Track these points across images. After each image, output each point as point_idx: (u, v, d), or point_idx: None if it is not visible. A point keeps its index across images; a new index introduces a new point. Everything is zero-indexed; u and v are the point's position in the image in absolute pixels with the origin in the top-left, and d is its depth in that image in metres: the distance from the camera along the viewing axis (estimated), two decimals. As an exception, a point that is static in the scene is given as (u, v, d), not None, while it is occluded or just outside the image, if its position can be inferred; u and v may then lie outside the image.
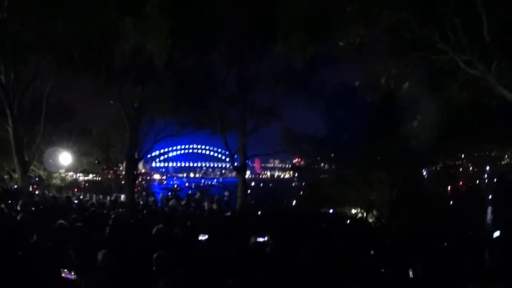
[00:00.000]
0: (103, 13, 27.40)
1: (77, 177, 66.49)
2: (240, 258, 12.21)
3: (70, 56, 29.28)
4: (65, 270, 8.38)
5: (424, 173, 49.23)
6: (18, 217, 14.22)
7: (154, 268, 9.54)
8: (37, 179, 48.29)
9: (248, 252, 13.17)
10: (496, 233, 14.36)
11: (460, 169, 70.49)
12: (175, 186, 77.36)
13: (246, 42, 34.30)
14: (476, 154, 56.81)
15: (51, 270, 8.33)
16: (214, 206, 35.06)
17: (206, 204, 37.90)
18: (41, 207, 22.74)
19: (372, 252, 13.78)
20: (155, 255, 9.70)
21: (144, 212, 23.62)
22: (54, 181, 48.61)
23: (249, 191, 45.06)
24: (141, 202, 34.63)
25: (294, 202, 47.99)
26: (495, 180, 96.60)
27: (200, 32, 30.00)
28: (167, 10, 25.26)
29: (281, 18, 23.30)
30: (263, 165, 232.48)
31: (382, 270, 12.46)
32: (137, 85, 33.28)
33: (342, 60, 30.99)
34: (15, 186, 37.63)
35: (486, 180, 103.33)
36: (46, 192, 41.68)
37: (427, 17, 18.05)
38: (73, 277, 8.29)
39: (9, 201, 22.62)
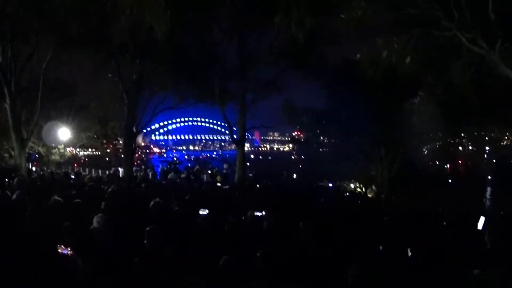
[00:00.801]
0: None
1: (76, 152, 66.47)
2: (237, 233, 12.11)
3: (68, 33, 29.13)
4: (62, 246, 8.23)
5: (424, 151, 49.10)
6: (14, 196, 14.05)
7: (145, 242, 9.39)
8: (37, 155, 48.13)
9: (245, 226, 13.06)
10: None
11: (460, 148, 70.56)
12: (174, 159, 77.44)
13: (246, 15, 34.09)
14: (475, 134, 56.82)
15: (47, 246, 8.19)
16: (219, 178, 35.20)
17: (205, 177, 37.94)
18: (38, 183, 22.58)
19: (370, 230, 13.64)
20: (147, 229, 9.56)
21: (143, 185, 23.50)
22: (53, 157, 48.54)
23: (248, 163, 44.90)
24: (140, 175, 34.51)
25: (295, 175, 47.94)
26: (495, 161, 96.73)
27: (200, 4, 29.71)
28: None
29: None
30: (262, 137, 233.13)
31: (381, 248, 12.35)
32: (135, 59, 33.09)
33: (344, 35, 30.81)
34: (11, 163, 37.65)
35: (486, 161, 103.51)
36: (45, 168, 41.56)
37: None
38: (69, 252, 8.15)
39: (6, 179, 22.50)
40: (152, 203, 12.99)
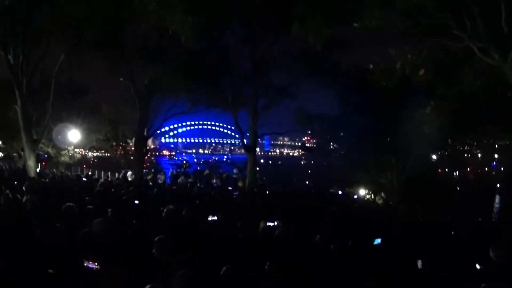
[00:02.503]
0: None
1: (86, 154, 66.61)
2: (248, 241, 12.05)
3: (81, 36, 29.22)
4: (89, 261, 8.25)
5: (434, 158, 49.17)
6: (24, 199, 14.04)
7: (154, 252, 9.31)
8: (46, 156, 48.20)
9: (258, 237, 12.98)
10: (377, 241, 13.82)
11: (469, 155, 70.51)
12: (184, 162, 77.25)
13: (260, 21, 34.16)
14: (485, 142, 56.76)
15: (72, 260, 8.19)
16: (240, 184, 36.12)
17: (215, 181, 37.98)
18: (49, 187, 22.55)
19: (381, 242, 13.58)
20: (156, 239, 9.46)
21: (154, 190, 23.45)
22: (63, 158, 48.62)
23: (257, 168, 44.94)
24: (150, 180, 34.55)
25: (306, 182, 47.87)
26: (503, 169, 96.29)
27: (214, 10, 29.70)
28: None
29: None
30: (272, 142, 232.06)
31: (391, 260, 12.34)
32: (148, 63, 33.13)
33: (357, 43, 30.86)
34: (20, 166, 37.81)
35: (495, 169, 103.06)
36: (54, 170, 41.72)
37: (444, 2, 17.93)
38: (95, 267, 8.17)
39: (15, 182, 22.37)
40: (165, 210, 12.96)
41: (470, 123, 27.65)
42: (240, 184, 35.97)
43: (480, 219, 27.57)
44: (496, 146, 69.40)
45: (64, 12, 28.02)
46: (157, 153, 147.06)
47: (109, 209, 13.39)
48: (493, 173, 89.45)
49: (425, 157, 40.05)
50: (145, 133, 37.94)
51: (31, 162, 31.58)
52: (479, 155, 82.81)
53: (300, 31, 22.76)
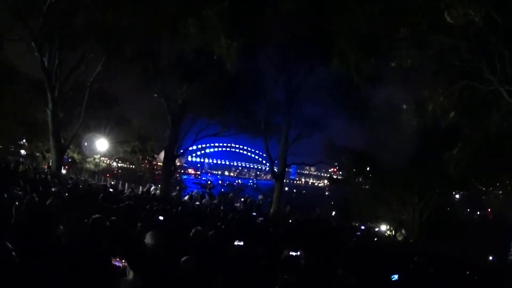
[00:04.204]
0: (158, 10, 27.66)
1: (110, 163, 66.87)
2: (272, 270, 12.19)
3: (119, 48, 29.56)
4: (116, 258, 8.46)
5: (456, 197, 49.05)
6: (48, 203, 14.19)
7: (180, 272, 9.46)
8: (69, 160, 48.58)
9: (281, 265, 13.11)
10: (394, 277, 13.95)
11: (490, 197, 70.04)
12: (208, 182, 77.08)
13: (298, 51, 34.21)
14: (507, 183, 56.43)
15: (101, 258, 8.35)
16: (272, 210, 36.47)
17: (239, 205, 38.10)
18: (75, 195, 22.57)
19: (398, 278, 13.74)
20: (183, 259, 9.62)
21: (179, 208, 23.57)
22: (88, 165, 48.95)
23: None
24: (174, 197, 34.76)
25: (332, 213, 47.81)
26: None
27: (254, 36, 29.86)
28: (225, 15, 25.44)
29: (336, 35, 23.45)
30: (298, 171, 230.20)
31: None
32: (182, 82, 33.33)
33: (390, 80, 30.98)
34: (45, 168, 38.08)
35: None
36: (79, 176, 42.10)
37: (476, 44, 18.16)
38: (122, 264, 8.38)
39: (40, 188, 22.41)
40: (193, 231, 13.09)
41: (494, 164, 27.72)
42: (271, 211, 36.26)
43: (495, 260, 27.76)
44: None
45: (103, 22, 28.47)
46: (182, 171, 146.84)
47: (139, 224, 13.67)
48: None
49: (447, 197, 40.03)
50: (174, 152, 38.19)
51: (55, 165, 32.13)
52: (501, 197, 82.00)
53: (339, 66, 23.15)
